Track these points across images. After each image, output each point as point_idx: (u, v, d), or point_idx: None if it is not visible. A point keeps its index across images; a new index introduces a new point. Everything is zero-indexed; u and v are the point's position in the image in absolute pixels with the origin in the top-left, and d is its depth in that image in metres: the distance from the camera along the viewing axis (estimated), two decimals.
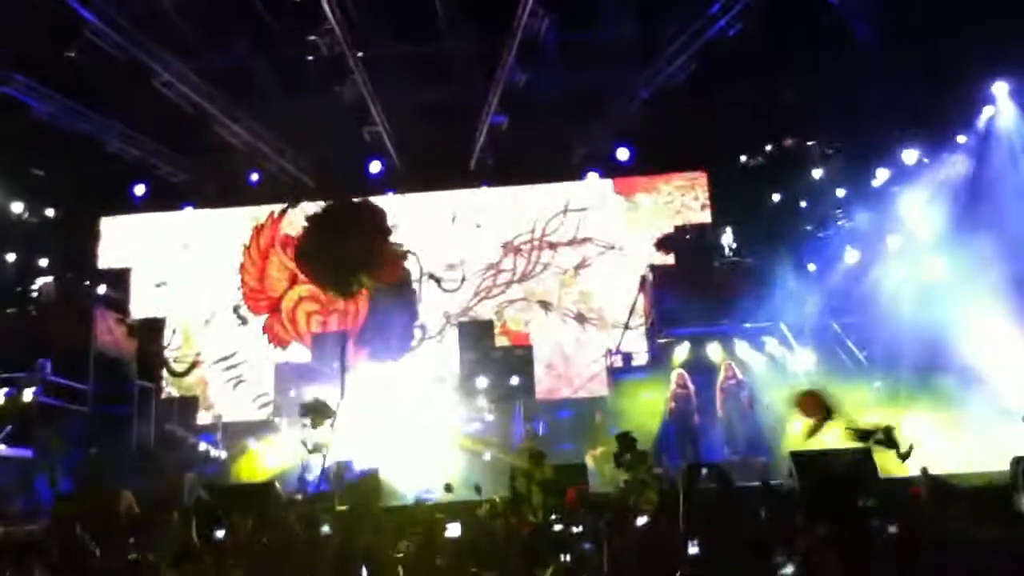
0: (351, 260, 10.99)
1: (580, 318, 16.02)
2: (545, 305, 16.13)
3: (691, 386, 11.48)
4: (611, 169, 16.15)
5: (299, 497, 10.20)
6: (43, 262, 15.12)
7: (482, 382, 12.91)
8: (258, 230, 16.97)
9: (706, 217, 15.76)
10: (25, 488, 10.91)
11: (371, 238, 11.28)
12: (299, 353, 15.93)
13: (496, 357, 13.49)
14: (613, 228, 16.36)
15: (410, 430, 11.64)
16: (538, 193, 16.62)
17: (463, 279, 16.40)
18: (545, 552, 6.54)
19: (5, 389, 11.47)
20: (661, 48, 13.35)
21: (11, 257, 15.04)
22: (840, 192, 13.68)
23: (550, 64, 14.71)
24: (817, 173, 14.05)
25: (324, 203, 13.68)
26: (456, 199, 16.70)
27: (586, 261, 16.30)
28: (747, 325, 11.89)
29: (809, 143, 14.35)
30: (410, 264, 16.34)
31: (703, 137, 14.72)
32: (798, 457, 8.37)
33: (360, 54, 13.31)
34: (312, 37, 12.78)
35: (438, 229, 16.55)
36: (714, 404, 11.45)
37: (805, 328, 11.90)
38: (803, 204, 14.34)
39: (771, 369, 11.77)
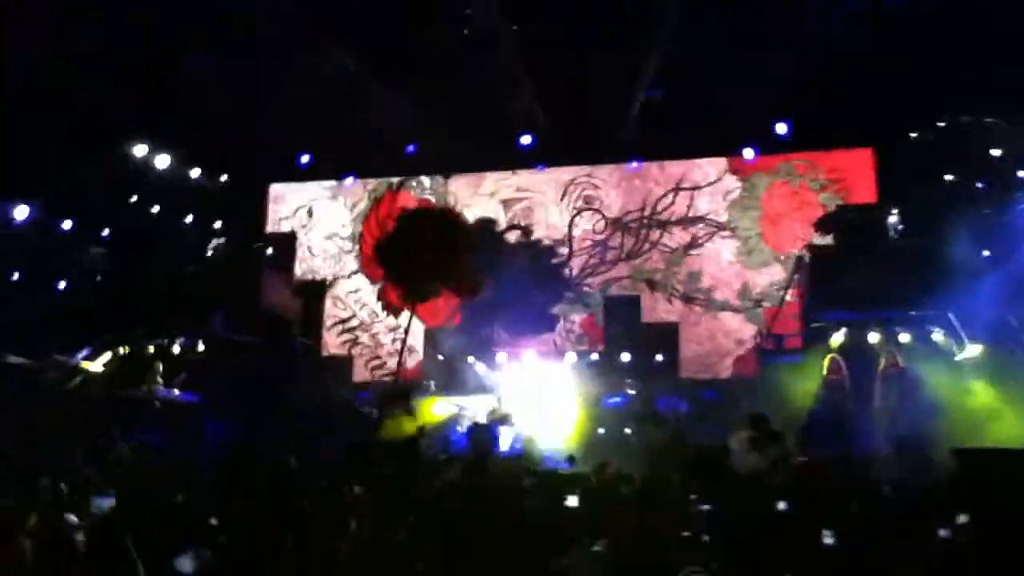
0: (427, 270, 11.08)
1: (686, 298, 15.62)
2: (651, 284, 15.81)
3: (845, 372, 10.99)
4: (769, 144, 15.51)
5: (442, 457, 10.54)
6: (216, 224, 16.17)
7: (626, 357, 12.85)
8: (378, 202, 17.45)
9: (827, 199, 15.05)
10: (198, 434, 11.81)
11: (451, 252, 11.30)
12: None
13: (642, 332, 13.38)
14: (726, 208, 15.93)
15: (553, 403, 11.81)
16: (652, 171, 16.38)
17: (570, 254, 16.34)
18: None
19: (181, 339, 12.45)
20: (827, 18, 12.67)
21: (188, 219, 16.14)
22: (1022, 173, 12.61)
23: (709, 38, 14.42)
24: (997, 152, 13.00)
25: (417, 208, 14.13)
26: (568, 175, 16.74)
27: (696, 240, 15.94)
28: (912, 312, 11.23)
29: (988, 120, 13.28)
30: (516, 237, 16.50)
31: (870, 112, 13.90)
32: (963, 455, 7.88)
33: (514, 27, 13.31)
34: (467, 10, 12.88)
35: (548, 204, 16.67)
36: (870, 392, 10.92)
37: (976, 319, 11.09)
38: (979, 185, 13.31)
39: (936, 360, 11.07)
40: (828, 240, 13.23)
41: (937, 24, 11.78)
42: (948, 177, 13.55)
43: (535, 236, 16.62)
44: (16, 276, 13.77)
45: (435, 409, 12.14)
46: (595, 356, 13.35)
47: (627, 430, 11.39)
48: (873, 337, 11.42)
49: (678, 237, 16.04)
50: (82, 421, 11.47)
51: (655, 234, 16.15)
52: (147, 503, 7.04)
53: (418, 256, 10.40)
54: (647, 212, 16.29)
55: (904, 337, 11.30)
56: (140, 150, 14.74)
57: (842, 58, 12.91)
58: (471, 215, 16.44)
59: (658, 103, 14.74)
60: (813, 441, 10.40)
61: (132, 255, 15.25)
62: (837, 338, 11.55)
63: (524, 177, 16.83)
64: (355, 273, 16.99)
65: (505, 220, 16.82)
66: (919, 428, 10.15)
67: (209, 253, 14.61)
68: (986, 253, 12.05)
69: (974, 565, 6.24)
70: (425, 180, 17.33)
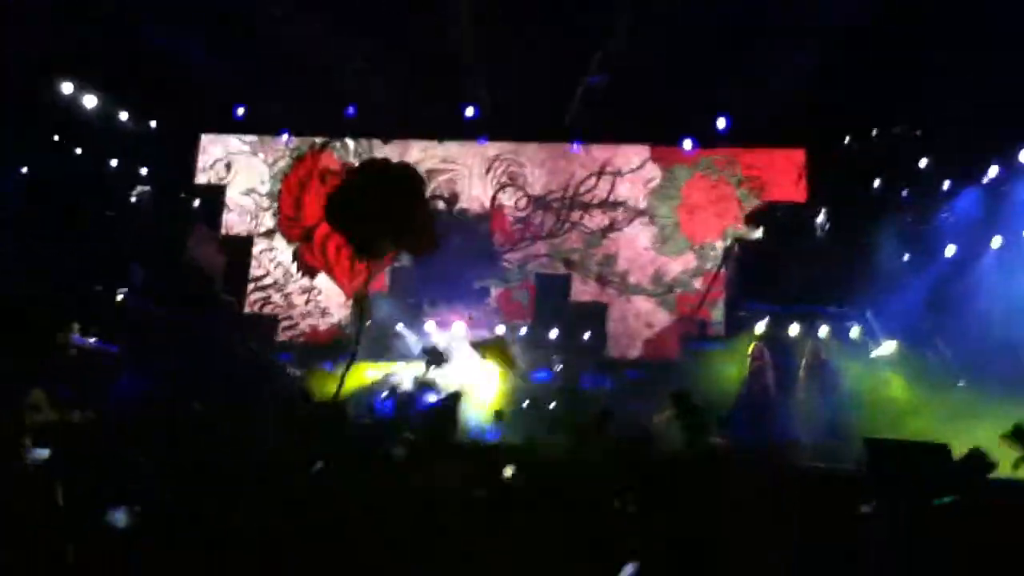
0: (382, 223, 10.99)
1: (601, 280, 16.09)
2: (569, 264, 16.19)
3: (768, 359, 11.30)
4: (707, 138, 15.79)
5: (368, 422, 10.47)
6: (143, 171, 15.58)
7: (554, 333, 12.99)
8: (299, 161, 17.04)
9: (743, 195, 15.90)
10: (107, 383, 11.41)
11: (408, 205, 11.22)
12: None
13: (570, 311, 13.54)
14: (645, 195, 16.44)
15: (476, 374, 11.83)
16: (579, 154, 16.73)
17: (491, 230, 16.61)
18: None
19: (99, 287, 12.00)
20: (775, 23, 12.94)
21: (114, 163, 15.52)
22: (946, 185, 13.16)
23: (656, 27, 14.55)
24: (923, 163, 13.53)
25: (367, 159, 14.02)
26: (494, 150, 16.94)
27: (615, 224, 16.39)
28: (832, 309, 11.64)
29: (918, 132, 13.80)
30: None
31: (807, 114, 14.29)
32: (873, 444, 8.20)
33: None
34: None
35: (473, 177, 16.88)
36: (791, 382, 11.27)
37: (893, 319, 11.57)
38: (904, 194, 13.84)
39: (852, 356, 11.49)
40: (757, 234, 13.57)
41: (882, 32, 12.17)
42: (876, 183, 14.05)
43: (458, 208, 16.78)
44: None
45: (362, 375, 12.03)
46: (524, 330, 13.47)
47: (551, 405, 11.52)
48: (794, 329, 11.78)
49: (597, 220, 16.45)
50: None
51: (575, 215, 16.54)
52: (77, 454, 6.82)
53: (372, 208, 10.21)
54: (569, 193, 16.65)
55: (823, 331, 11.68)
56: (66, 87, 14.13)
57: (786, 61, 13.31)
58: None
59: (602, 89, 14.85)
60: (735, 425, 10.67)
61: (52, 198, 14.62)
62: (760, 328, 11.87)
63: (450, 148, 16.95)
64: (271, 232, 16.72)
65: (429, 190, 16.58)
66: (838, 418, 10.54)
67: (132, 200, 14.07)
68: (907, 258, 12.56)
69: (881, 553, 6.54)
70: (350, 143, 17.18)
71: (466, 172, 16.95)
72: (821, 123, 14.49)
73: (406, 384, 11.86)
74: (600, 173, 16.67)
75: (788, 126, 15.04)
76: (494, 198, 16.83)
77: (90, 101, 14.49)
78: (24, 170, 14.73)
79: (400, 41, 15.08)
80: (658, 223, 16.23)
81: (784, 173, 16.00)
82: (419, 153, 16.91)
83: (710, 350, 12.26)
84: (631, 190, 16.51)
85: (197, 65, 14.45)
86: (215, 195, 15.81)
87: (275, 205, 16.72)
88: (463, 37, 13.76)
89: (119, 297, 11.98)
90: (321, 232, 16.30)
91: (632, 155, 16.60)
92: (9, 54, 13.26)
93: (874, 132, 14.04)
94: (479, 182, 16.94)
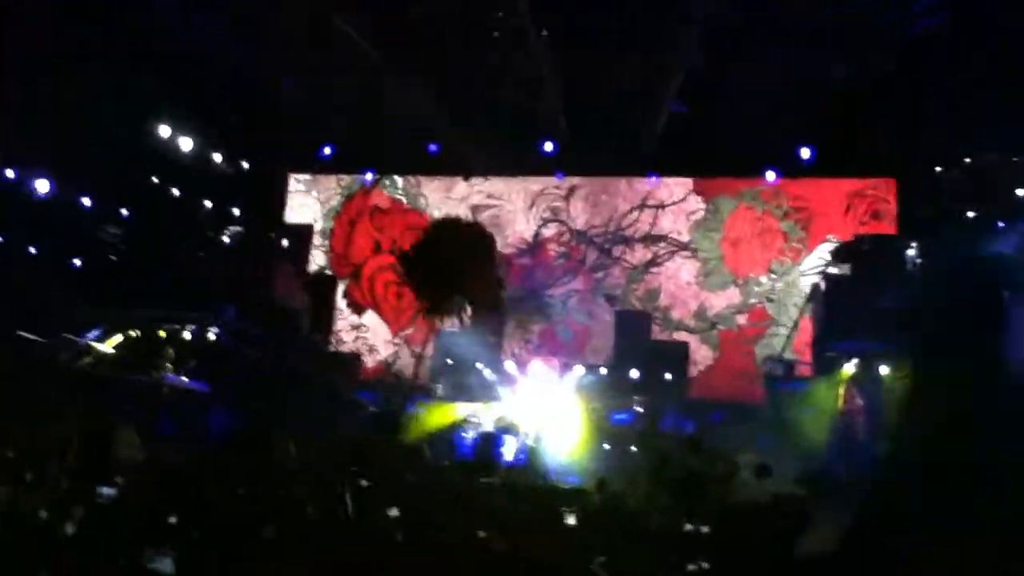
0: (455, 280, 11.07)
1: (643, 315, 15.86)
2: (611, 299, 16.03)
3: (859, 402, 10.92)
4: (790, 168, 15.46)
5: (447, 463, 10.55)
6: (235, 211, 16.19)
7: (635, 373, 12.84)
8: (349, 199, 17.64)
9: (789, 228, 15.64)
10: (198, 420, 11.81)
11: (478, 263, 11.29)
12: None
13: (651, 350, 13.37)
14: (688, 228, 16.22)
15: (557, 414, 11.81)
16: (620, 186, 16.64)
17: (534, 264, 16.63)
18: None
19: (192, 326, 12.47)
20: (855, 43, 12.64)
21: (207, 203, 16.16)
22: None
23: (737, 54, 14.38)
24: (1022, 192, 12.94)
25: (443, 218, 14.28)
26: (538, 185, 17.00)
27: (657, 258, 16.14)
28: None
29: (1016, 158, 13.22)
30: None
31: (896, 142, 13.87)
32: None
33: (544, 32, 13.26)
34: (499, 13, 12.81)
35: (517, 212, 17.00)
36: (882, 427, 10.84)
37: None
38: (1001, 224, 13.24)
39: None
40: (843, 269, 13.16)
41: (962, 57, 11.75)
42: (971, 214, 13.49)
43: (500, 244, 16.66)
44: (33, 251, 13.83)
45: (441, 415, 12.14)
46: (603, 370, 13.36)
47: (632, 448, 11.37)
48: (884, 370, 11.34)
49: (640, 254, 16.32)
50: (89, 402, 11.51)
51: (618, 249, 16.43)
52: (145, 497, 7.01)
53: (444, 267, 10.38)
54: (611, 227, 16.55)
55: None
56: (164, 131, 14.77)
57: (866, 87, 12.96)
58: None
59: (683, 119, 14.73)
60: (824, 470, 10.33)
61: (149, 237, 15.29)
62: (849, 368, 11.48)
63: (496, 184, 17.09)
64: (324, 268, 17.16)
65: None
66: None
67: (224, 240, 14.61)
68: (1006, 293, 11.97)
69: None
70: (399, 180, 17.49)
71: (510, 207, 17.09)
72: (909, 151, 14.02)
73: (486, 424, 11.93)
74: (643, 206, 16.50)
75: (873, 156, 14.63)
76: (537, 233, 16.90)
77: (185, 143, 15.10)
78: (124, 211, 15.51)
79: (473, 78, 15.37)
80: (701, 257, 16.01)
81: (831, 204, 15.70)
82: (465, 189, 17.20)
83: (797, 392, 11.88)
84: (674, 223, 16.31)
85: (286, 105, 15.00)
86: (302, 234, 16.28)
87: (327, 243, 17.44)
88: (540, 71, 13.87)
89: (211, 336, 12.38)
90: (369, 269, 16.90)
91: (675, 187, 16.42)
92: (107, 99, 13.99)
93: (967, 160, 13.51)
94: (523, 217, 17.03)
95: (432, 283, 10.70)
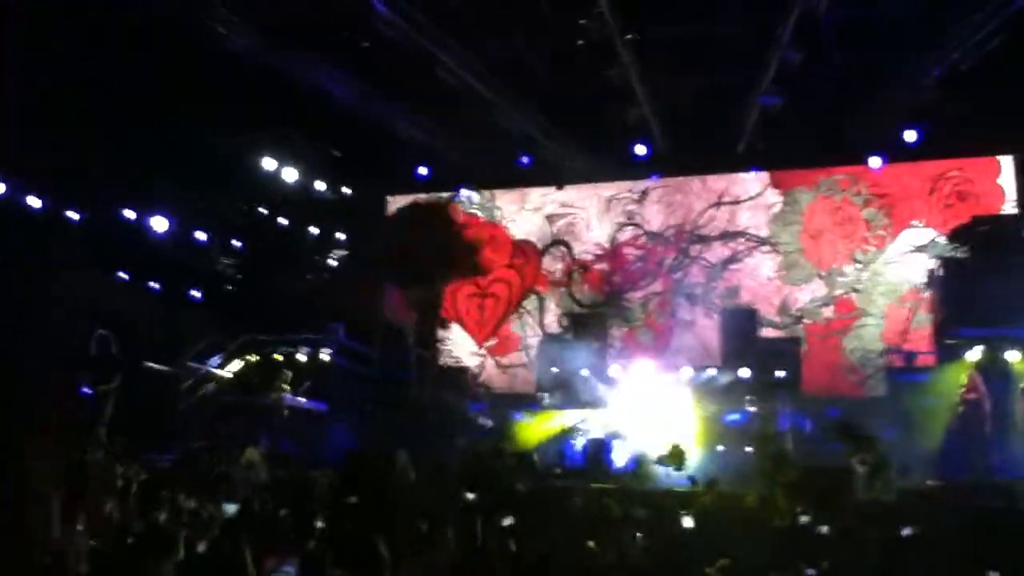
0: (425, 264, 11.05)
1: (750, 312, 15.33)
2: (690, 298, 15.83)
3: (983, 390, 10.40)
4: (897, 152, 14.90)
5: (557, 471, 10.57)
6: (339, 235, 16.75)
7: (745, 372, 12.56)
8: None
9: (871, 215, 15.15)
10: (320, 439, 12.22)
11: (441, 237, 11.19)
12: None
13: (760, 347, 13.06)
14: (766, 222, 15.84)
15: (666, 417, 11.68)
16: (693, 185, 16.41)
17: (612, 269, 16.57)
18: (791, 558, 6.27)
19: (306, 348, 12.92)
20: (955, 22, 12.15)
21: (314, 230, 16.76)
22: None
23: (828, 43, 14.03)
24: None
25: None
26: (610, 191, 16.91)
27: (736, 255, 15.85)
28: None
29: None
30: (559, 255, 16.95)
31: (1007, 118, 13.20)
32: None
33: (628, 37, 13.23)
34: (583, 21, 12.84)
35: (591, 219, 16.93)
36: (1010, 414, 10.31)
37: None
38: None
39: None
40: (963, 252, 12.57)
41: None
42: None
43: (577, 251, 16.91)
44: (156, 285, 14.60)
45: (549, 422, 12.18)
46: (712, 372, 13.12)
47: (748, 448, 11.12)
48: (1013, 355, 10.77)
49: (718, 252, 16.09)
50: (213, 426, 12.08)
51: (695, 248, 16.23)
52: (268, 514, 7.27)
53: (410, 252, 10.44)
54: (688, 227, 16.37)
55: None
56: (269, 164, 15.39)
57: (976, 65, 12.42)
58: (517, 229, 17.19)
59: (778, 111, 14.43)
60: (949, 464, 9.91)
61: (260, 266, 15.96)
62: (973, 356, 10.95)
63: (568, 192, 17.12)
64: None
65: (550, 235, 17.19)
66: None
67: (332, 263, 15.11)
68: None
69: None
70: (474, 195, 17.66)
71: (584, 215, 17.07)
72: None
73: (594, 431, 11.90)
74: (719, 204, 16.26)
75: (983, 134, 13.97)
76: (613, 238, 16.83)
77: (290, 174, 15.68)
78: (236, 243, 16.24)
79: (564, 87, 15.47)
80: (781, 251, 15.65)
81: (912, 188, 15.17)
82: (538, 199, 17.28)
83: (918, 382, 11.39)
84: (751, 219, 16.01)
85: (385, 129, 15.40)
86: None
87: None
88: (629, 75, 13.82)
89: (324, 356, 12.79)
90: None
91: (750, 182, 16.11)
92: (220, 135, 14.68)
93: None
94: (597, 223, 16.99)
95: (408, 275, 10.81)
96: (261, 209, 16.35)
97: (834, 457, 10.13)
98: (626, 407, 11.87)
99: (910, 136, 14.59)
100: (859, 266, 15.05)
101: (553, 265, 16.97)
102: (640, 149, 16.00)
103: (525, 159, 16.73)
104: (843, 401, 13.60)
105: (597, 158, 16.27)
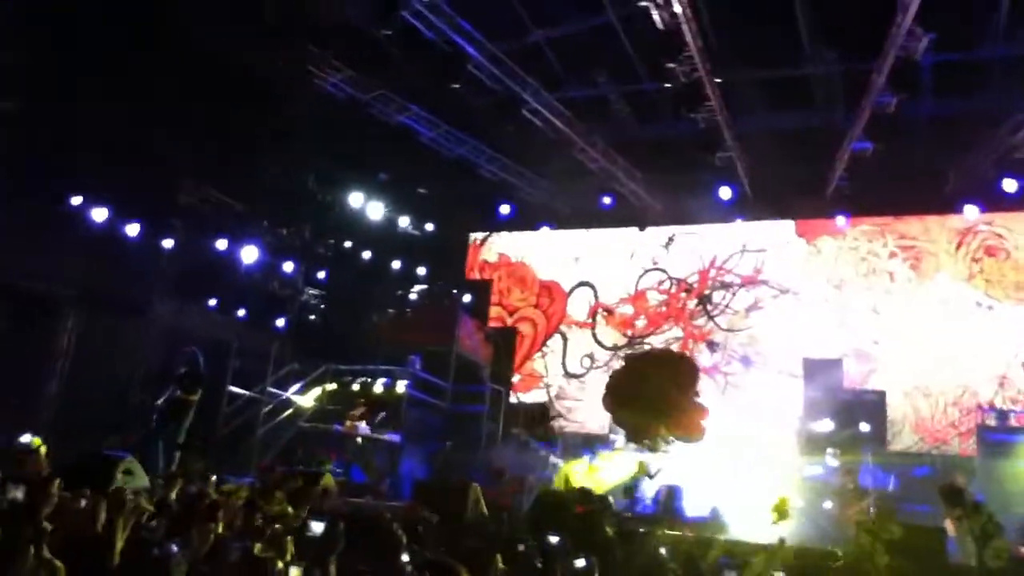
0: (654, 409, 11.08)
1: (745, 360, 15.46)
2: (712, 346, 15.73)
3: None
4: (994, 201, 14.37)
5: (628, 515, 10.38)
6: (420, 270, 17.06)
7: (827, 425, 12.16)
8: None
9: (895, 267, 14.98)
10: (392, 469, 12.35)
11: (679, 392, 11.22)
12: None
13: (844, 399, 12.64)
14: (790, 272, 15.68)
15: (747, 468, 11.38)
16: (717, 231, 16.41)
17: (636, 313, 16.59)
18: None
19: (383, 379, 13.13)
20: None
21: (396, 264, 17.11)
22: None
23: (924, 87, 13.72)
24: None
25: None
26: (638, 235, 17.06)
27: (758, 303, 15.71)
28: None
29: None
30: (586, 295, 17.17)
31: None
32: None
33: (717, 80, 13.16)
34: (670, 64, 12.82)
35: (616, 262, 17.08)
36: None
37: None
38: None
39: None
40: None
41: None
42: None
43: (602, 294, 17.03)
44: (242, 313, 15.11)
45: (619, 463, 12.00)
46: (794, 422, 12.74)
47: (827, 504, 10.71)
48: None
49: (741, 299, 15.97)
50: (290, 452, 12.34)
51: (718, 295, 16.16)
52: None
53: (643, 397, 10.58)
54: (711, 273, 16.28)
55: None
56: (356, 199, 15.84)
57: None
58: (543, 271, 17.52)
59: (868, 157, 14.11)
60: None
61: (344, 298, 16.36)
62: None
63: (596, 235, 17.28)
64: None
65: (575, 277, 17.36)
66: None
67: (412, 297, 15.38)
68: None
69: None
70: (505, 234, 17.97)
71: (609, 258, 17.16)
72: None
73: (668, 475, 11.66)
74: (743, 251, 16.20)
75: None
76: (637, 282, 16.84)
77: (375, 210, 16.09)
78: (321, 275, 16.69)
79: (648, 128, 15.50)
80: (804, 300, 15.40)
81: (939, 242, 14.86)
82: (564, 240, 17.44)
83: (1013, 445, 10.82)
84: (775, 267, 15.84)
85: (469, 168, 15.69)
86: (483, 290, 16.89)
87: None
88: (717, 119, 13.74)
89: (400, 388, 12.96)
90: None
91: (776, 230, 16.00)
92: (310, 171, 15.20)
93: None
94: (623, 266, 17.05)
95: (635, 413, 10.85)
96: (347, 243, 16.79)
97: (920, 517, 9.68)
98: (699, 453, 11.59)
99: (1010, 186, 14.09)
100: (881, 317, 14.83)
101: (578, 307, 17.06)
102: (725, 192, 15.88)
103: (607, 199, 16.78)
104: (933, 459, 13.04)
105: (680, 199, 16.21)
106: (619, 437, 12.68)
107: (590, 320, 17.07)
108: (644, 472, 11.61)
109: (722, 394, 15.28)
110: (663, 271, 16.88)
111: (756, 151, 14.92)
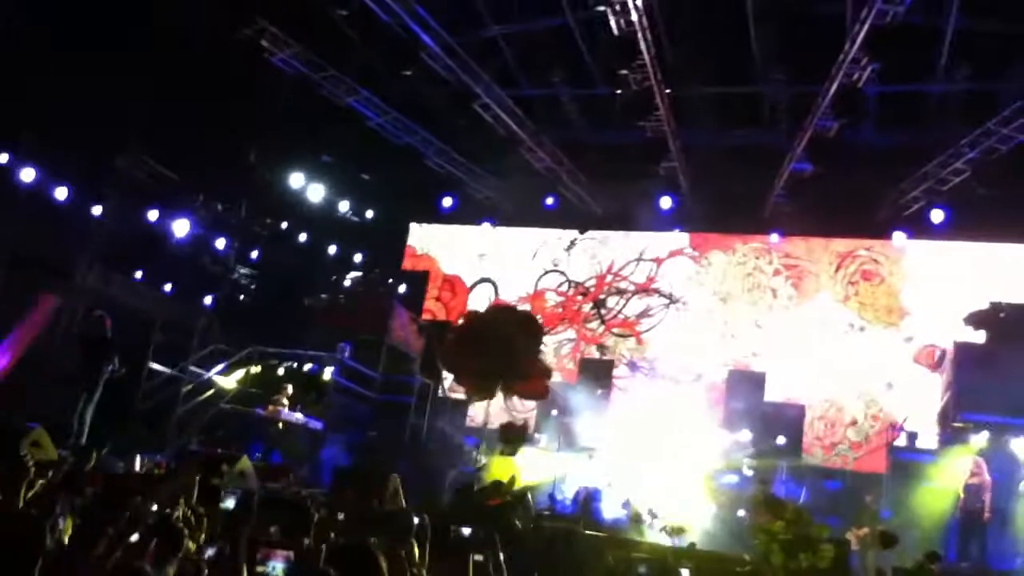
0: (494, 370, 11.08)
1: (632, 366, 16.00)
2: (602, 349, 16.24)
3: (986, 477, 10.17)
4: (922, 230, 14.82)
5: (547, 513, 10.43)
6: (357, 257, 16.87)
7: (745, 435, 12.40)
8: None
9: (778, 284, 15.71)
10: (312, 456, 12.15)
11: (520, 352, 11.26)
12: None
13: (765, 412, 12.91)
14: (679, 282, 16.37)
15: (665, 472, 11.51)
16: (616, 239, 16.99)
17: (533, 312, 16.26)
18: None
19: (310, 365, 12.94)
20: (996, 106, 12.18)
21: (333, 249, 16.89)
22: None
23: (867, 115, 14.09)
24: None
25: (486, 307, 14.68)
26: (541, 237, 17.45)
27: (649, 311, 16.29)
28: None
29: None
30: (486, 292, 17.37)
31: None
32: None
33: (668, 91, 13.30)
34: (623, 71, 12.92)
35: (518, 262, 17.39)
36: (1011, 504, 10.06)
37: None
38: None
39: None
40: (978, 336, 12.42)
41: None
42: None
43: (503, 291, 17.28)
44: (169, 287, 14.75)
45: (542, 464, 12.04)
46: (715, 431, 12.94)
47: (740, 512, 10.91)
48: (1019, 444, 10.54)
49: (633, 306, 16.53)
50: (209, 432, 12.09)
51: (612, 300, 16.69)
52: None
53: (484, 357, 10.51)
54: (607, 279, 16.77)
55: None
56: (297, 179, 15.59)
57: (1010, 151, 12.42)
58: (448, 265, 17.61)
59: (807, 178, 14.42)
60: (944, 549, 9.66)
61: (277, 279, 16.09)
62: (978, 441, 10.74)
63: (502, 233, 17.48)
64: None
65: (478, 273, 17.60)
66: None
67: (347, 284, 15.19)
68: None
69: None
70: (415, 228, 18.11)
71: (512, 257, 17.44)
72: None
73: (588, 477, 11.74)
74: (638, 260, 16.77)
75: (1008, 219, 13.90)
76: (536, 282, 17.19)
77: (316, 192, 15.86)
78: (255, 254, 16.39)
79: (597, 133, 15.61)
80: (691, 310, 16.11)
81: (821, 263, 15.64)
82: (474, 237, 17.60)
83: (920, 462, 11.18)
84: (666, 277, 16.49)
85: (416, 158, 15.57)
86: (419, 281, 16.78)
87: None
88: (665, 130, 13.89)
89: (327, 376, 12.79)
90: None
91: (670, 242, 16.62)
92: (248, 151, 14.93)
93: None
94: (525, 265, 17.36)
95: (475, 371, 10.77)
96: (284, 224, 16.52)
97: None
98: (621, 457, 11.70)
99: (937, 216, 14.54)
100: (761, 331, 15.48)
101: (479, 302, 17.20)
102: (666, 202, 16.07)
103: (550, 200, 16.84)
104: (843, 474, 13.41)
105: (622, 206, 16.33)
106: (543, 436, 12.76)
107: None
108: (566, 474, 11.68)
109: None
110: (562, 273, 17.23)
111: (700, 164, 15.16)
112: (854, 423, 14.44)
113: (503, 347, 10.61)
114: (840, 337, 15.04)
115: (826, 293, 15.40)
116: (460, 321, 12.60)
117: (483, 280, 17.51)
